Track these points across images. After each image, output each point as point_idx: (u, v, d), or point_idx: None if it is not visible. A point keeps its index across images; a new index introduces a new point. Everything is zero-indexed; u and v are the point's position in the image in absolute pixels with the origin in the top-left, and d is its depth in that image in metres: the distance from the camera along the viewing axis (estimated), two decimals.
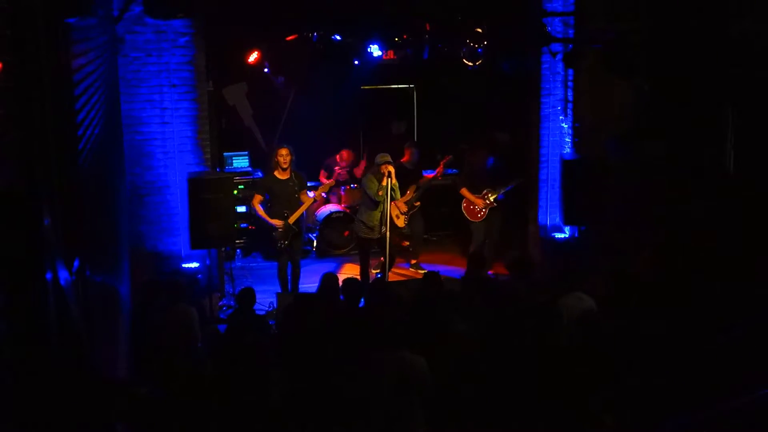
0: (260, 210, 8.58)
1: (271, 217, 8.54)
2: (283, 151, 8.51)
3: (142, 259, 7.99)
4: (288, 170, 8.58)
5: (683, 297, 6.07)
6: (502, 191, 9.39)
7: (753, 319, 5.62)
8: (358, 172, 11.01)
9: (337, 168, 11.01)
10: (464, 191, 9.50)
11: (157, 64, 7.99)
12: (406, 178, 9.39)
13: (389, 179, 8.59)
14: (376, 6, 9.22)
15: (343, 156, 11.04)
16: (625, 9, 8.82)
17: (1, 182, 2.68)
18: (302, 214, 8.75)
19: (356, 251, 9.92)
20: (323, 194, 9.52)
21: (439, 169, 9.89)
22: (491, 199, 9.42)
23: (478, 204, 9.44)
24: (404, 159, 9.71)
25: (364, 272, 9.13)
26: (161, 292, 6.62)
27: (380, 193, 8.69)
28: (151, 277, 7.68)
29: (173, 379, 5.36)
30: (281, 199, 8.58)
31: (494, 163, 9.48)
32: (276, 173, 8.59)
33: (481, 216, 9.47)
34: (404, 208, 9.35)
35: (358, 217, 9.27)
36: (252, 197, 8.84)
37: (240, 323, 6.65)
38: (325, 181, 10.71)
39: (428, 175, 9.96)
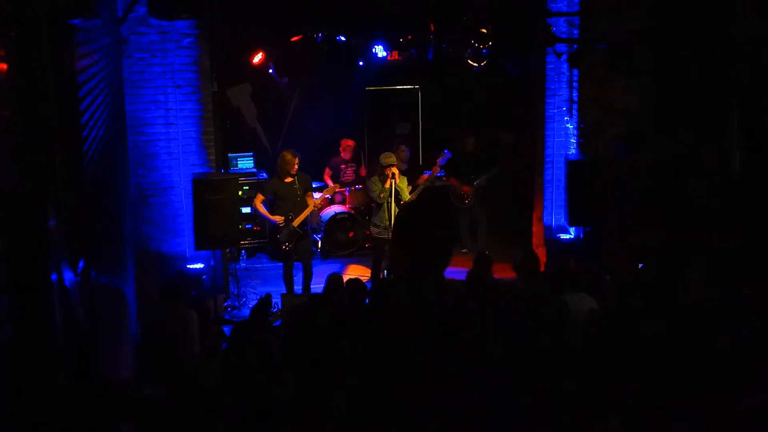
0: (262, 209, 8.62)
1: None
2: (294, 159, 8.50)
3: (146, 260, 7.99)
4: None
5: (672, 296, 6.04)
6: (484, 178, 10.38)
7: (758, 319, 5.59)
8: (365, 172, 10.99)
9: (343, 166, 10.96)
10: (453, 180, 10.50)
11: (162, 65, 7.99)
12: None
13: (393, 180, 8.60)
14: (381, 7, 9.20)
15: (342, 146, 10.94)
16: (629, 9, 8.78)
17: (6, 183, 2.67)
18: (307, 215, 8.75)
19: (360, 252, 9.88)
20: (327, 196, 9.51)
21: (435, 168, 9.92)
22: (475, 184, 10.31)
23: (465, 191, 10.43)
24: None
25: (375, 272, 9.12)
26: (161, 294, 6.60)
27: (382, 195, 8.69)
28: (156, 278, 7.68)
29: (176, 380, 5.36)
30: (287, 202, 8.58)
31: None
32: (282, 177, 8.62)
33: (468, 202, 10.49)
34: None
35: (372, 218, 9.29)
36: (254, 197, 8.87)
37: (246, 325, 6.63)
38: (329, 181, 10.71)
39: (425, 175, 9.98)
